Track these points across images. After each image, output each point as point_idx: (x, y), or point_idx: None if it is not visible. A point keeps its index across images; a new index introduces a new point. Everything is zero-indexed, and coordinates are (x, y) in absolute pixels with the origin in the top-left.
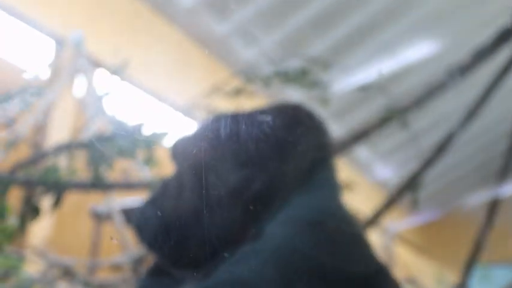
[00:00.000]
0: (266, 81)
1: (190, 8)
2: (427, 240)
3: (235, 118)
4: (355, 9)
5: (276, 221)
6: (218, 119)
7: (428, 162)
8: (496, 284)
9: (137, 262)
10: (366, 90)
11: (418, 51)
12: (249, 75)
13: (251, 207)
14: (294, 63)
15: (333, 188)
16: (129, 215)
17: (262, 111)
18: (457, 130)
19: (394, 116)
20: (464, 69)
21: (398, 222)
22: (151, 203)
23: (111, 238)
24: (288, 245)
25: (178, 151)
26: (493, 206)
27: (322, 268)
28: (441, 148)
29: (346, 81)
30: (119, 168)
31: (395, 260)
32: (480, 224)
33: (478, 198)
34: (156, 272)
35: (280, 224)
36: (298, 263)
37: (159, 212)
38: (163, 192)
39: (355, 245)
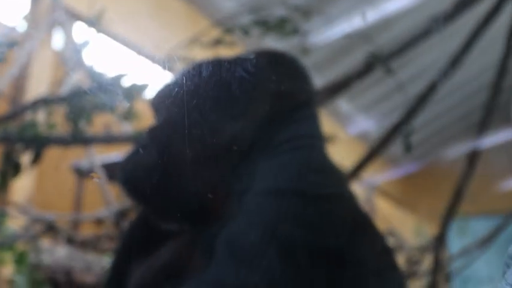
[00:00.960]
0: (245, 30)
1: None
2: (406, 193)
3: (216, 64)
4: None
5: (256, 190)
6: (198, 65)
7: (410, 113)
8: (474, 235)
9: (120, 216)
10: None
11: (401, 1)
12: (229, 25)
13: (233, 155)
14: (274, 12)
15: (316, 138)
16: (112, 169)
17: (243, 57)
18: (438, 80)
19: (377, 61)
20: (447, 17)
21: (379, 175)
22: (135, 155)
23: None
24: (271, 224)
25: (159, 101)
26: (472, 158)
27: (307, 243)
28: (423, 98)
29: (329, 31)
30: (100, 123)
31: (376, 212)
32: (459, 176)
33: (458, 150)
34: (140, 225)
35: (260, 195)
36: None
37: (143, 164)
38: (146, 144)
39: (337, 211)
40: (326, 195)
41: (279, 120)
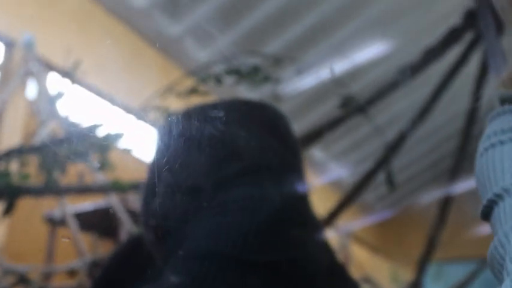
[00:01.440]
0: (218, 79)
1: (143, 9)
2: (381, 240)
3: (186, 115)
4: (308, 9)
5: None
6: (169, 119)
7: (382, 161)
8: (449, 280)
9: (92, 267)
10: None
11: (369, 51)
12: (202, 75)
13: (188, 207)
14: (246, 62)
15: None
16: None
17: (215, 106)
18: (409, 129)
19: (350, 102)
20: (415, 68)
21: (353, 222)
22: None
23: (63, 238)
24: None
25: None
26: (445, 204)
27: None
28: (394, 147)
29: (301, 79)
30: (74, 172)
31: (352, 259)
32: (433, 222)
33: (430, 197)
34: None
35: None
36: None
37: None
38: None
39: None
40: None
41: (233, 179)
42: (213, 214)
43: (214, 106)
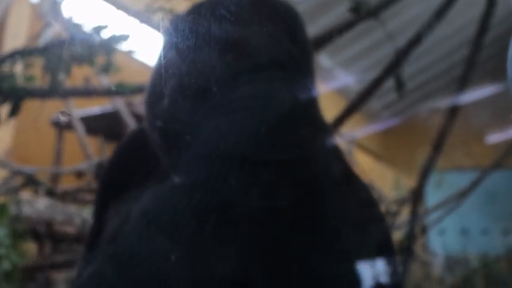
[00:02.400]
0: None
1: None
2: (385, 147)
3: (193, 11)
4: None
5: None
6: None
7: (392, 67)
8: (450, 188)
9: (99, 168)
10: None
11: None
12: None
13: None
14: None
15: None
16: (91, 122)
17: (223, 1)
18: (423, 31)
19: (360, 6)
20: None
21: (359, 129)
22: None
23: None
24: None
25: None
26: (452, 112)
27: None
28: (407, 50)
29: None
30: (79, 76)
31: (356, 166)
32: (437, 131)
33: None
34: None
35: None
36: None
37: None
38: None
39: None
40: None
41: (241, 76)
42: (221, 113)
43: (223, 1)
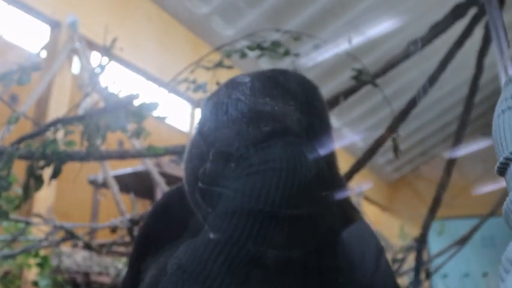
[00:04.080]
0: (242, 54)
1: None
2: (390, 199)
3: (222, 87)
4: None
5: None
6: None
7: (391, 129)
8: (452, 236)
9: (131, 224)
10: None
11: (382, 27)
12: (227, 50)
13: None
14: (268, 38)
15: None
16: (124, 180)
17: (245, 77)
18: (418, 96)
19: (363, 76)
20: (424, 40)
21: (365, 183)
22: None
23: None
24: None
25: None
26: (449, 166)
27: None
28: (405, 112)
29: (318, 54)
30: (114, 139)
31: (364, 216)
32: (438, 182)
33: (436, 160)
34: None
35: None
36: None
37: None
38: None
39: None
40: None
41: (262, 142)
42: (244, 174)
43: (244, 77)
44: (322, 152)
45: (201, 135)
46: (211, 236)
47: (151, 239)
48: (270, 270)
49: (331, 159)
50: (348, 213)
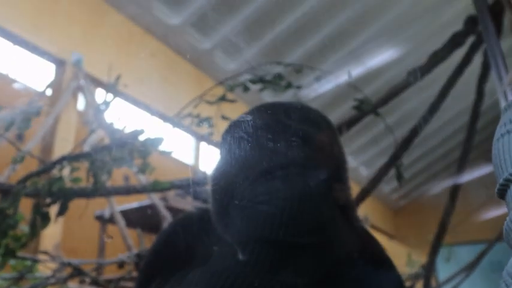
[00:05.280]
0: (245, 87)
1: (177, 27)
2: (397, 227)
3: (229, 127)
4: (325, 22)
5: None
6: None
7: (394, 157)
8: (460, 262)
9: (138, 259)
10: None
11: (382, 57)
12: (230, 84)
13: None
14: (270, 71)
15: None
16: (131, 215)
17: (247, 114)
18: (419, 125)
19: (364, 105)
20: (423, 70)
21: (371, 211)
22: None
23: (109, 237)
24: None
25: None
26: (454, 192)
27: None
28: (407, 141)
29: (320, 85)
30: (120, 175)
31: None
32: (443, 209)
33: (440, 186)
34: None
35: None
36: None
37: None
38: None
39: None
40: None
41: (265, 175)
42: (249, 205)
43: (246, 115)
44: (324, 182)
45: (214, 170)
46: (221, 263)
47: (158, 268)
48: None
49: (339, 189)
50: (367, 244)
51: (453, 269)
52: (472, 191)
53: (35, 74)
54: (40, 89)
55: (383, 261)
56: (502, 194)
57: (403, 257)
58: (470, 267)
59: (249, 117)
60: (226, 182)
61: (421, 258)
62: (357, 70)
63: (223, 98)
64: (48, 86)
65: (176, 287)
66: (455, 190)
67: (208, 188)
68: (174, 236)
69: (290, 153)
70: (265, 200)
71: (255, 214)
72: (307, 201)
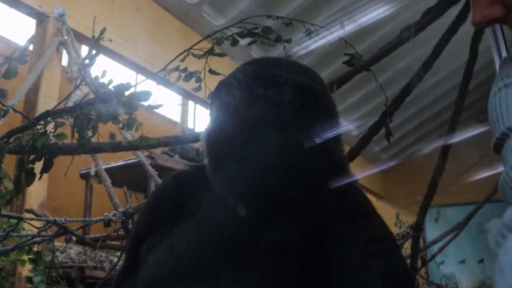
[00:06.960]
0: (233, 41)
1: None
2: (386, 187)
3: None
4: None
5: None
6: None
7: (385, 116)
8: (448, 222)
9: (126, 217)
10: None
11: (375, 13)
12: (218, 37)
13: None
14: (259, 25)
15: None
16: (116, 173)
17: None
18: (413, 82)
19: (356, 60)
20: (417, 27)
21: (360, 171)
22: None
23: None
24: None
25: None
26: (444, 152)
27: None
28: (399, 99)
29: (311, 41)
30: (105, 131)
31: None
32: (433, 169)
33: (431, 146)
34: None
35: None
36: None
37: None
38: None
39: None
40: None
41: (264, 129)
42: (243, 159)
43: (239, 69)
44: (321, 138)
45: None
46: (208, 217)
47: (151, 223)
48: (265, 253)
49: (331, 145)
50: (355, 200)
51: (441, 229)
52: (463, 152)
53: (16, 28)
54: (22, 44)
55: (371, 217)
56: (497, 149)
57: (392, 218)
58: (458, 228)
59: (242, 72)
60: (220, 137)
61: (410, 219)
62: (349, 27)
63: (211, 52)
64: (30, 41)
65: (168, 236)
66: (445, 150)
67: (197, 146)
68: (167, 193)
69: (282, 106)
70: (258, 154)
71: (248, 167)
72: (299, 155)
